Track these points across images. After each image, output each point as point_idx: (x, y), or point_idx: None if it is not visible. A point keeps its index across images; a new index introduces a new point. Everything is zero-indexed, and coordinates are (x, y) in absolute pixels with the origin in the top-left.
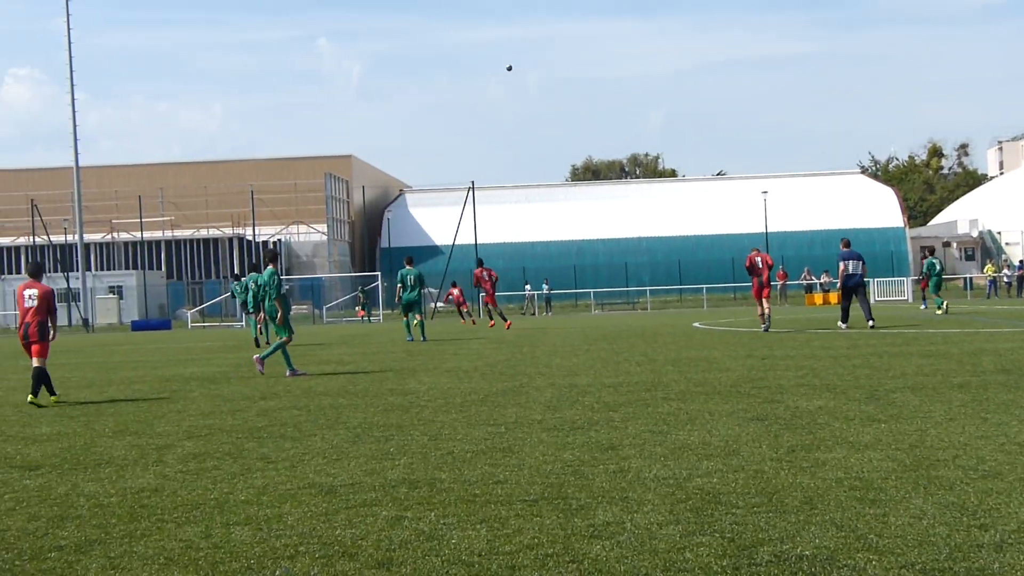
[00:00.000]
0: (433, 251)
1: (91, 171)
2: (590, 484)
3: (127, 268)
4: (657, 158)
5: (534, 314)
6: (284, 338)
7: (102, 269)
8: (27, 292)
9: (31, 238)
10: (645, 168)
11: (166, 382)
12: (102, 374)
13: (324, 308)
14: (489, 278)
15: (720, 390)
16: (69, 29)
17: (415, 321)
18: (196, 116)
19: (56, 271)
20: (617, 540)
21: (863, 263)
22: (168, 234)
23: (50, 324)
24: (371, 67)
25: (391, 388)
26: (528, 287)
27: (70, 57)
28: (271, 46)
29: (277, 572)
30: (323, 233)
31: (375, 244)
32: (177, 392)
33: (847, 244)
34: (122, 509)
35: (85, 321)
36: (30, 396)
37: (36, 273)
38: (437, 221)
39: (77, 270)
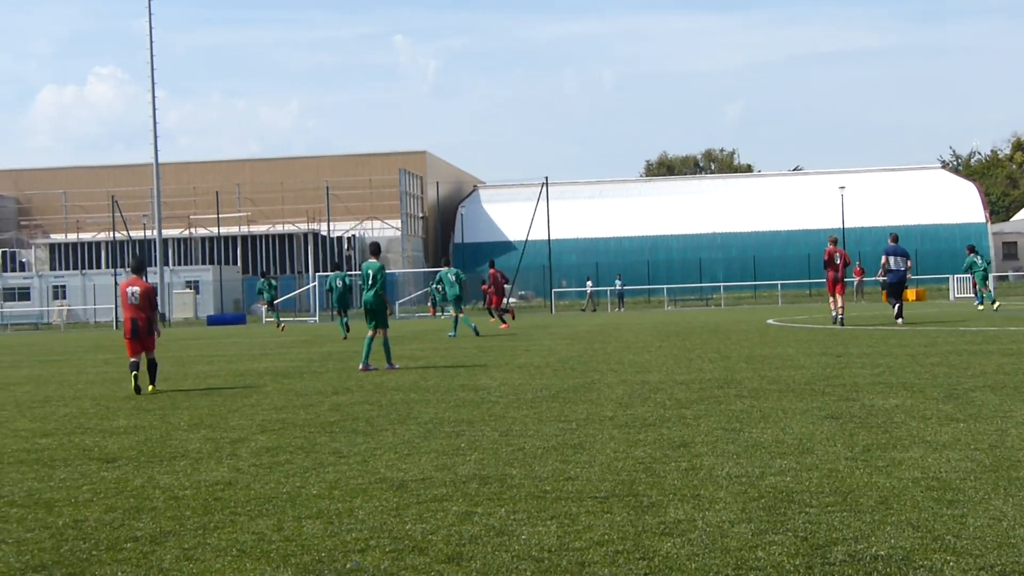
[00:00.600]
0: (506, 247)
1: (170, 168)
2: (661, 481)
3: (204, 263)
4: (732, 153)
5: (594, 310)
6: (385, 330)
7: (179, 264)
8: (130, 289)
9: (112, 234)
10: (720, 163)
11: (240, 376)
12: (178, 368)
13: (397, 304)
14: (502, 279)
15: (794, 388)
16: (151, 28)
17: (455, 316)
18: (273, 113)
19: (376, 257)
20: (688, 538)
21: (908, 260)
22: (244, 230)
23: (152, 319)
24: (446, 63)
25: (462, 384)
26: (589, 283)
27: (151, 56)
28: (348, 43)
29: (348, 566)
30: (397, 228)
31: (448, 239)
32: (251, 386)
33: (895, 239)
34: (196, 501)
35: (162, 315)
36: (151, 387)
37: (139, 269)
38: (510, 217)
39: (155, 265)
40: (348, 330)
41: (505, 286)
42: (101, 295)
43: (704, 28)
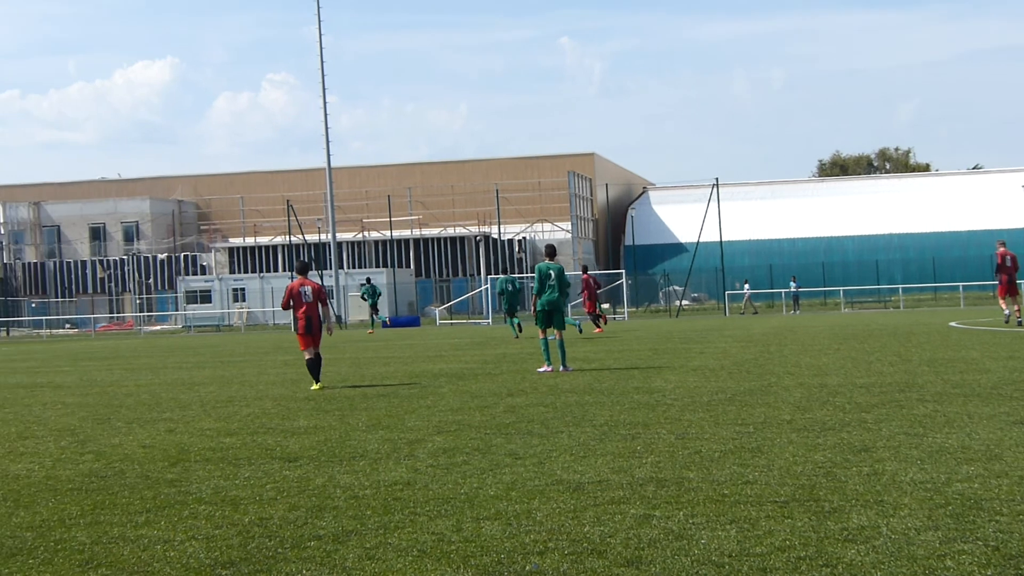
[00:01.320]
0: (677, 249)
1: (342, 172)
2: (843, 486)
3: (377, 266)
4: (908, 152)
5: (755, 312)
6: (561, 332)
7: (354, 267)
8: (303, 288)
9: (287, 237)
10: (895, 162)
11: (416, 378)
12: (355, 369)
13: (569, 306)
14: (595, 284)
15: (979, 392)
16: (321, 35)
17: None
18: (443, 116)
19: (310, 269)
20: (872, 545)
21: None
22: (416, 233)
23: (322, 315)
24: (613, 64)
25: (637, 386)
26: (747, 286)
27: (322, 62)
28: (515, 46)
29: (528, 568)
30: (567, 231)
31: (619, 242)
32: (427, 388)
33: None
34: (376, 501)
35: (338, 318)
36: (315, 385)
37: (304, 270)
38: (681, 218)
39: (330, 268)
40: (520, 330)
41: (598, 292)
42: (279, 297)
43: (877, 24)
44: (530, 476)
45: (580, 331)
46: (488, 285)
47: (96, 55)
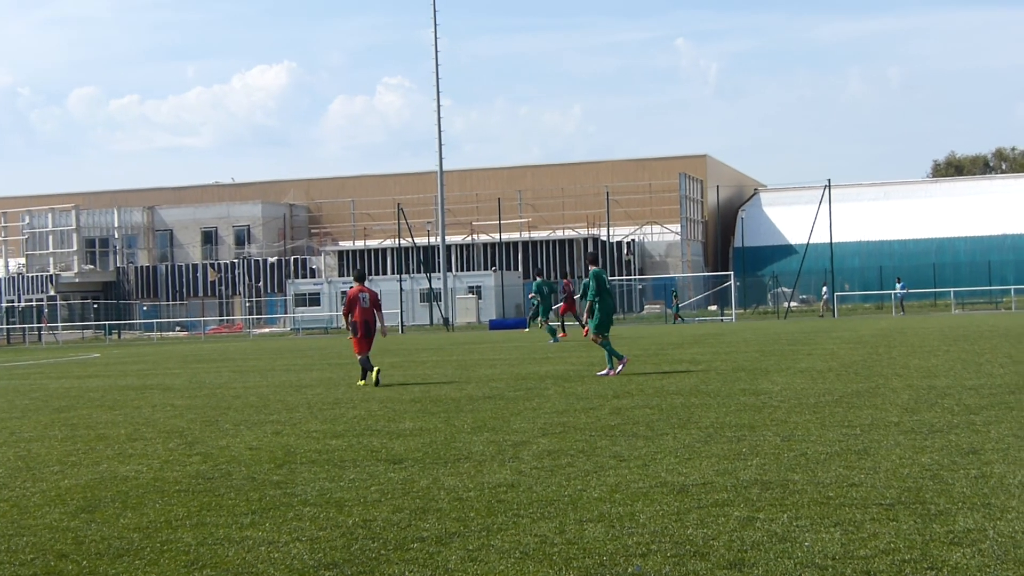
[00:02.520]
0: (787, 250)
1: (453, 175)
2: (949, 489)
3: (485, 269)
4: None
5: (821, 316)
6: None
7: (462, 270)
8: (361, 295)
9: (397, 240)
10: (1012, 163)
11: (522, 380)
12: (461, 371)
13: (678, 307)
14: (572, 290)
15: None
16: (436, 39)
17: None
18: (556, 118)
19: (419, 272)
20: (979, 548)
21: None
22: (525, 235)
23: (378, 319)
24: (728, 65)
25: (743, 388)
26: (824, 288)
27: (436, 65)
28: (630, 47)
29: (630, 570)
30: (676, 233)
31: (728, 244)
32: (532, 390)
33: None
34: (480, 503)
35: (446, 320)
36: (361, 381)
37: (361, 278)
38: (792, 220)
39: (439, 271)
40: (534, 327)
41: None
42: (387, 301)
43: (995, 21)
44: (634, 478)
45: (556, 340)
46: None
47: (214, 60)
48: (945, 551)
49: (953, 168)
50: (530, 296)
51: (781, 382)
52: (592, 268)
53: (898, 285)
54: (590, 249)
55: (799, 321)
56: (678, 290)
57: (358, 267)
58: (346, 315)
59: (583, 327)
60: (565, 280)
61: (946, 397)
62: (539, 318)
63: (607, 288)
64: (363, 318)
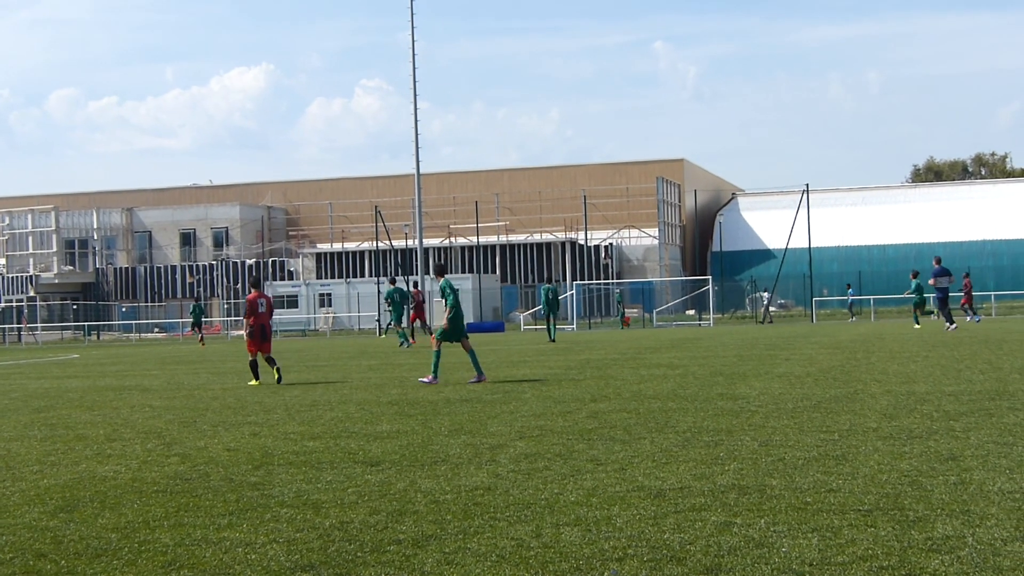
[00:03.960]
0: (765, 255)
1: (431, 177)
2: (928, 495)
3: (463, 272)
4: (1005, 157)
5: (770, 322)
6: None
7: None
8: (259, 300)
9: (375, 243)
10: (991, 168)
11: (499, 383)
12: (440, 374)
13: (655, 312)
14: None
15: None
16: (413, 41)
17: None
18: (533, 122)
19: (397, 275)
20: (957, 555)
21: (950, 277)
22: (503, 239)
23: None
24: (707, 69)
25: (721, 392)
26: (765, 294)
27: (414, 68)
28: (608, 51)
29: (606, 574)
30: (654, 237)
31: (707, 248)
32: (509, 393)
33: (938, 261)
34: (457, 506)
35: (423, 323)
36: (255, 381)
37: (257, 284)
38: (770, 225)
39: (417, 274)
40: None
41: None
42: (365, 303)
43: (977, 27)
44: (611, 482)
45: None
46: (574, 291)
47: (193, 62)
48: (923, 558)
49: (932, 173)
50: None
51: (759, 387)
52: (441, 279)
53: (848, 291)
54: (439, 261)
55: (778, 326)
56: (623, 296)
57: (254, 274)
58: (247, 319)
59: (430, 334)
60: (415, 290)
61: (925, 403)
62: (391, 324)
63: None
64: (259, 322)
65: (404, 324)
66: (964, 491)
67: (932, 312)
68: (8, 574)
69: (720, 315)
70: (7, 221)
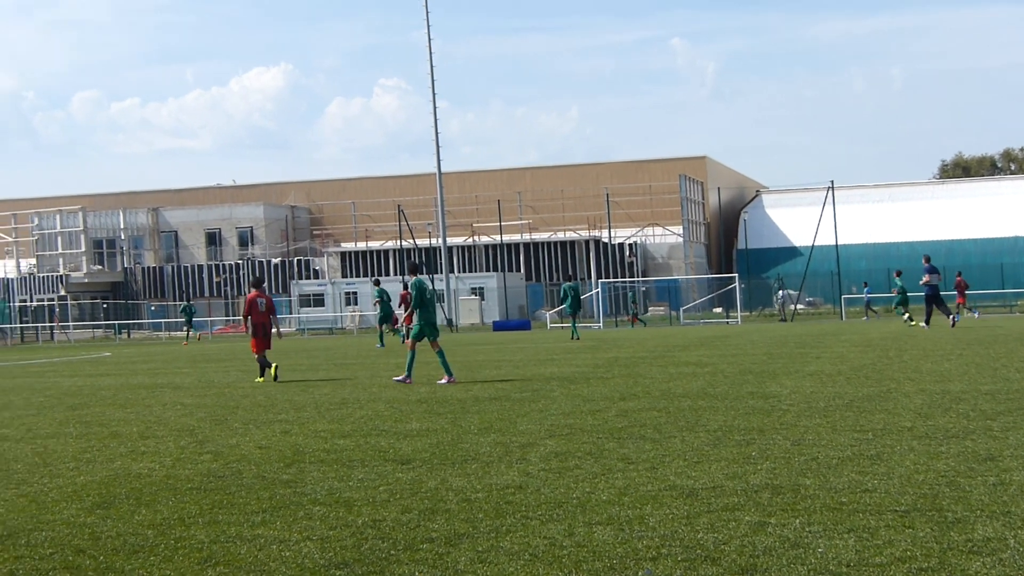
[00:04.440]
0: (791, 252)
1: (452, 176)
2: (967, 496)
3: (487, 270)
4: None
5: (784, 320)
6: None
7: (464, 271)
8: (258, 300)
9: (398, 242)
10: (1021, 163)
11: (527, 381)
12: (467, 373)
13: (681, 310)
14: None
15: None
16: (430, 40)
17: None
18: (553, 120)
19: (421, 273)
20: (999, 557)
21: (938, 274)
22: (526, 237)
23: (273, 323)
24: (726, 65)
25: (751, 391)
26: (780, 293)
27: (431, 67)
28: (627, 48)
29: (640, 574)
30: (678, 235)
31: (731, 246)
32: (538, 391)
33: (928, 260)
34: (488, 505)
35: (449, 321)
36: (261, 378)
37: (259, 284)
38: (795, 222)
39: (441, 272)
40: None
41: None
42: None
43: (1002, 20)
44: (643, 481)
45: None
46: (599, 289)
47: (213, 63)
48: (964, 560)
49: (960, 169)
50: (374, 303)
51: (790, 385)
52: (413, 277)
53: (865, 289)
54: (413, 259)
55: (806, 324)
56: (636, 296)
57: (256, 274)
58: (244, 317)
59: (405, 338)
60: (404, 291)
61: (961, 402)
62: (386, 324)
63: (428, 298)
64: (259, 321)
65: (387, 325)
66: (1004, 492)
67: (904, 314)
68: (48, 569)
69: (748, 313)
70: (36, 222)
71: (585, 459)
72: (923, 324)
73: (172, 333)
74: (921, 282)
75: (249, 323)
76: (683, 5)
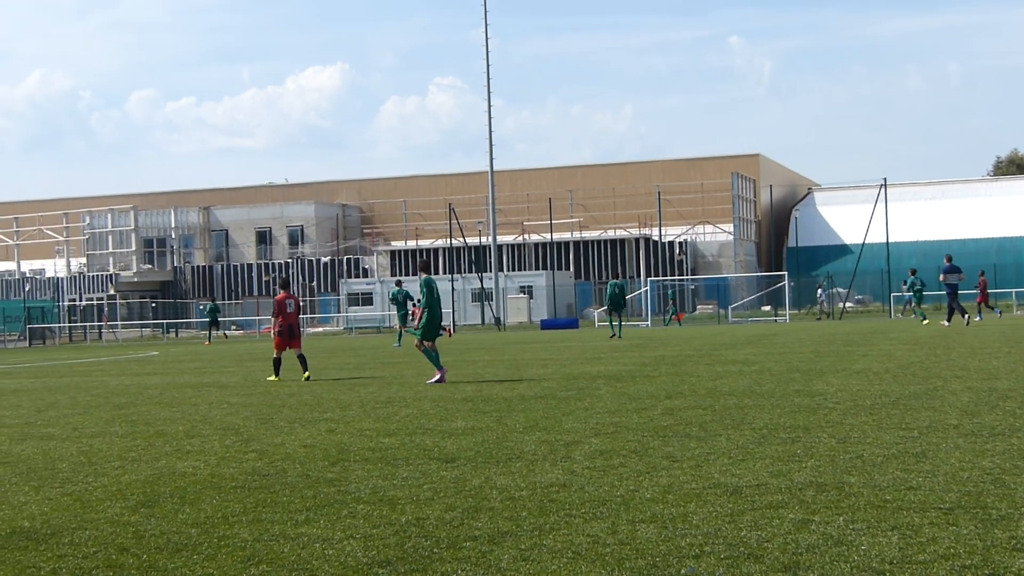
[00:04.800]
0: (842, 250)
1: (504, 175)
2: (1012, 494)
3: (537, 269)
4: None
5: (818, 318)
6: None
7: (513, 270)
8: (288, 301)
9: (448, 240)
10: None
11: (573, 380)
12: (513, 371)
13: (730, 308)
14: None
15: None
16: (487, 39)
17: (616, 322)
18: (607, 118)
19: (471, 271)
20: None
21: (960, 274)
22: (576, 235)
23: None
24: (783, 63)
25: (797, 389)
26: (820, 290)
27: (487, 65)
28: (683, 46)
29: (683, 571)
30: (729, 233)
31: (782, 244)
32: (584, 390)
33: (949, 259)
34: (532, 503)
35: (497, 320)
36: (275, 377)
37: (286, 285)
38: (847, 220)
39: (490, 271)
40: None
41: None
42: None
43: None
44: (687, 479)
45: (613, 337)
46: (648, 288)
47: (268, 62)
48: (1008, 557)
49: (1015, 166)
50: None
51: (836, 383)
52: (422, 276)
53: (903, 286)
54: (423, 258)
55: (855, 322)
56: (676, 294)
57: (284, 275)
58: (275, 317)
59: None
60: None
61: (1008, 400)
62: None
63: (436, 296)
64: (288, 322)
65: (406, 325)
66: None
67: (904, 311)
68: (92, 568)
69: (796, 311)
70: (87, 221)
71: (630, 457)
72: (944, 322)
73: (224, 332)
74: (939, 279)
75: (276, 324)
76: (741, 4)
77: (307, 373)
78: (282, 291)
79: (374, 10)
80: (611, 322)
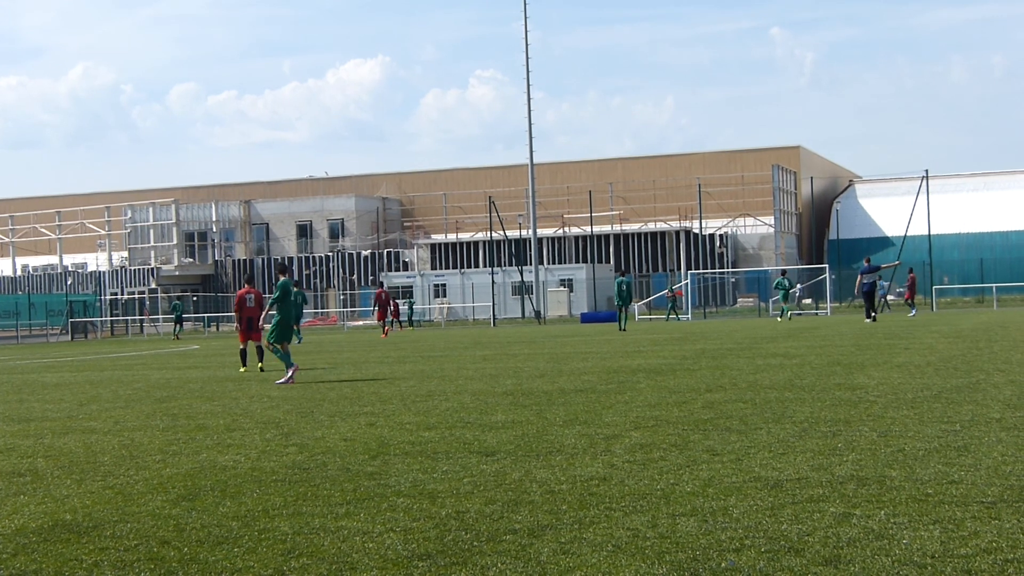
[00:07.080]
0: (883, 243)
1: (545, 167)
2: None
3: (577, 262)
4: None
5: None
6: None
7: (554, 263)
8: (248, 296)
9: (489, 233)
10: None
11: (614, 373)
12: (553, 364)
13: (771, 301)
14: (386, 299)
15: None
16: (527, 31)
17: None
18: (649, 110)
19: (511, 265)
20: None
21: (877, 274)
22: (617, 228)
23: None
24: (826, 55)
25: (838, 383)
26: (797, 288)
27: (527, 58)
28: (725, 38)
29: (723, 565)
30: (770, 225)
31: (823, 236)
32: (624, 383)
33: (868, 260)
34: (572, 496)
35: (537, 313)
36: (243, 368)
37: (250, 280)
38: (888, 212)
39: (530, 264)
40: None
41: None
42: (479, 293)
43: None
44: (727, 473)
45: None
46: (688, 280)
47: (309, 56)
48: None
49: None
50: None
51: (877, 377)
52: (281, 278)
53: (944, 280)
54: (280, 260)
55: (897, 314)
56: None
57: (247, 273)
58: (236, 312)
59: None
60: (378, 290)
61: None
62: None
63: (291, 299)
64: (247, 315)
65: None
66: None
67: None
68: (133, 560)
69: (838, 304)
70: (129, 215)
71: (670, 451)
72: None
73: (265, 325)
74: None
75: (239, 317)
76: None
77: (260, 364)
78: (246, 285)
79: (415, 3)
80: (619, 316)
